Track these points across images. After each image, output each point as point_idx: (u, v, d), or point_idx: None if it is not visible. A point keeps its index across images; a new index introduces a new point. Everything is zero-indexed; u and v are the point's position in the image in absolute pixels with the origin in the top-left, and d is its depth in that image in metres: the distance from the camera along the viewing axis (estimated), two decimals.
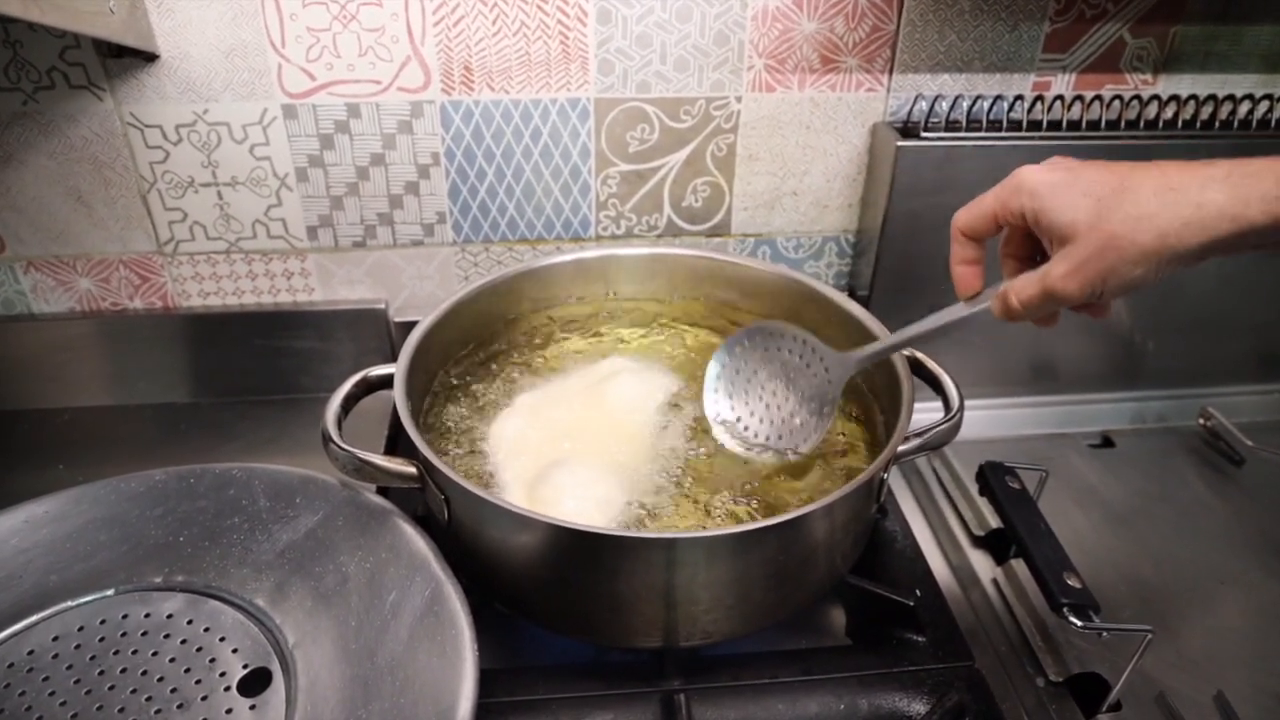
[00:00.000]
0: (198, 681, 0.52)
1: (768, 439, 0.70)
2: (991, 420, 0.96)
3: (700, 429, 0.73)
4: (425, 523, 0.64)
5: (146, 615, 0.56)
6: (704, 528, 0.64)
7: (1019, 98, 0.89)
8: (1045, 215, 0.50)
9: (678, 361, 0.82)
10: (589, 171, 0.91)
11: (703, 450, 0.72)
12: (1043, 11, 0.87)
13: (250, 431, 0.91)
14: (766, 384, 0.71)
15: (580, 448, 0.71)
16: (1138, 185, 0.47)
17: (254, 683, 0.52)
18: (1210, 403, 0.97)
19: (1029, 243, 0.55)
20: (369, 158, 0.87)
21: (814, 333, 0.69)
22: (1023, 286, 0.52)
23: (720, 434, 0.71)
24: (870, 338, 0.73)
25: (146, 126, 0.83)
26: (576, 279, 0.86)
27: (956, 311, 0.59)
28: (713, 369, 0.72)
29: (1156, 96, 0.89)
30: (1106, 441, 0.95)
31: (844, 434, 0.74)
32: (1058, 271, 0.50)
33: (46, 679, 0.52)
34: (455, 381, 0.78)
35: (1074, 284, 0.49)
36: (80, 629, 0.55)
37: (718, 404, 0.72)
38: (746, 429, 0.71)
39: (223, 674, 0.52)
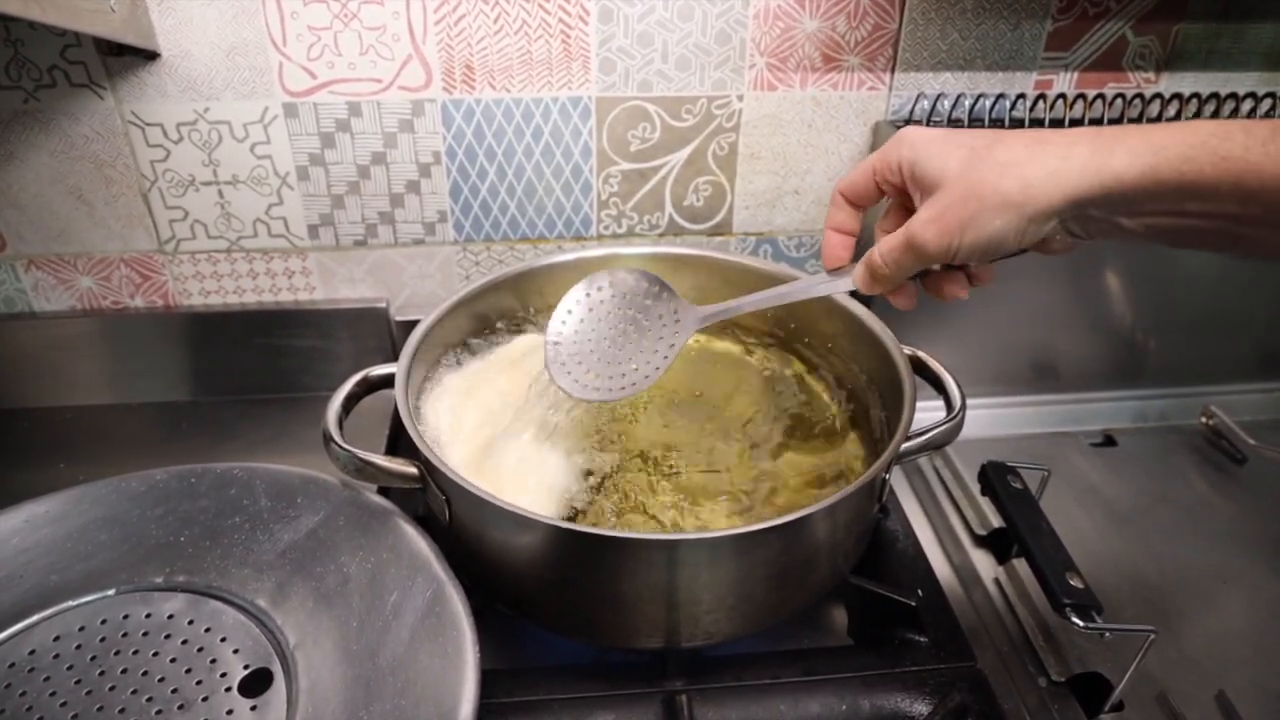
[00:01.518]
0: (198, 682, 0.52)
1: (596, 377, 0.65)
2: (993, 419, 0.96)
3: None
4: (426, 523, 0.64)
5: (147, 615, 0.56)
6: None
7: (1021, 96, 0.89)
8: (919, 165, 0.50)
9: (680, 362, 0.82)
10: (590, 170, 0.91)
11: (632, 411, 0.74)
12: (1045, 10, 0.86)
13: (251, 431, 0.91)
14: (616, 325, 0.67)
15: (518, 419, 0.71)
16: (1011, 140, 0.47)
17: (255, 683, 0.52)
18: (1212, 401, 0.96)
19: (906, 218, 0.53)
20: (370, 156, 0.87)
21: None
22: (886, 242, 0.52)
23: (551, 362, 0.66)
24: (872, 336, 0.73)
25: (147, 125, 0.83)
26: (578, 278, 0.86)
27: (813, 283, 0.59)
28: (570, 298, 0.68)
29: (1159, 95, 0.89)
30: (1108, 440, 0.95)
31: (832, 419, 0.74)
32: (919, 219, 0.49)
33: (47, 679, 0.52)
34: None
35: (932, 230, 0.48)
36: (81, 629, 0.55)
37: (561, 331, 0.67)
38: (580, 364, 0.66)
39: (224, 674, 0.52)
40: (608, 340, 0.67)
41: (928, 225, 0.48)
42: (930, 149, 0.49)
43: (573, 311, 0.68)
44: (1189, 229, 0.45)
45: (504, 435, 0.69)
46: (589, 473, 0.69)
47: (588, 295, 0.68)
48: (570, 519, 0.66)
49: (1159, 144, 0.43)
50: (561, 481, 0.68)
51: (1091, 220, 0.47)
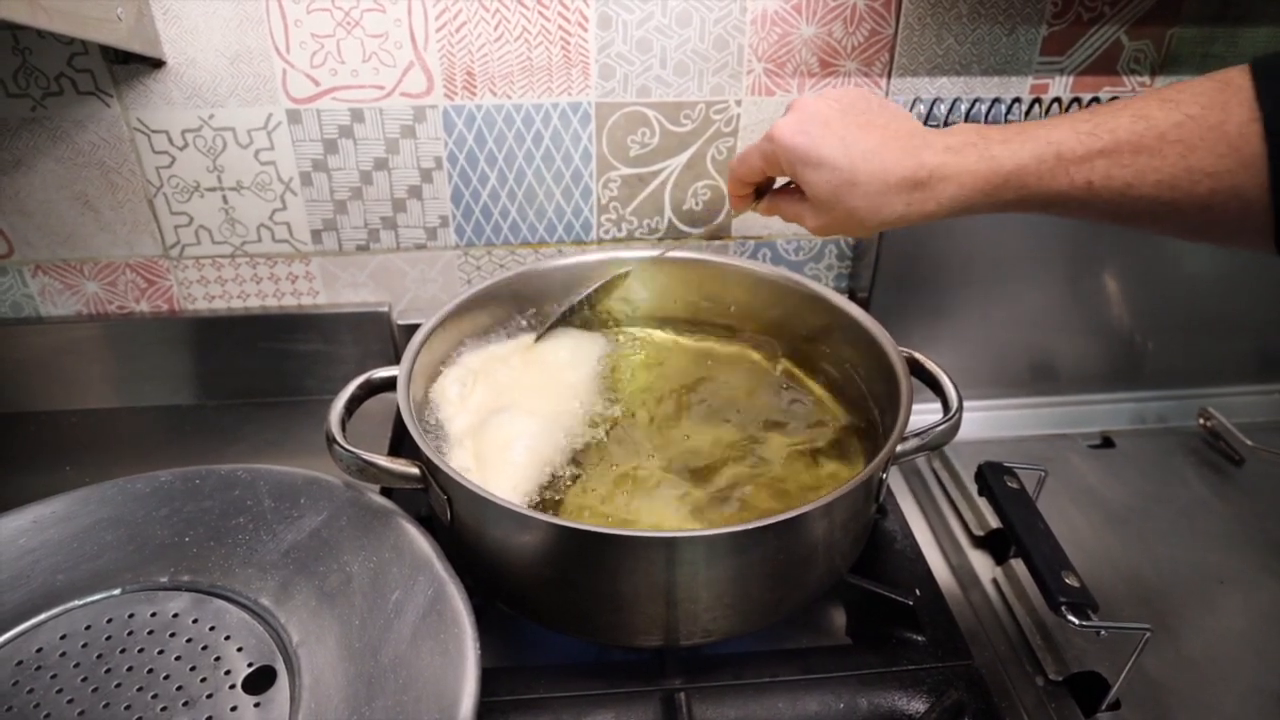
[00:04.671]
0: (203, 680, 0.52)
1: None
2: (991, 420, 0.96)
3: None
4: (428, 523, 0.65)
5: (152, 614, 0.57)
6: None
7: (1017, 100, 0.90)
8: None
9: (682, 362, 0.83)
10: (590, 175, 0.91)
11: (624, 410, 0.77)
12: (1040, 14, 0.87)
13: (255, 433, 0.91)
14: None
15: (522, 400, 0.75)
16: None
17: (259, 681, 0.53)
18: (1210, 403, 0.97)
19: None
20: (372, 162, 0.88)
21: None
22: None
23: None
24: (870, 339, 0.74)
25: (153, 132, 0.84)
26: (578, 282, 0.87)
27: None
28: None
29: None
30: (1106, 442, 0.96)
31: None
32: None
33: (54, 677, 0.53)
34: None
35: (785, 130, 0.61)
36: (87, 628, 0.56)
37: None
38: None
39: (228, 672, 0.53)
40: None
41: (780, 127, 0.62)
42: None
43: None
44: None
45: (506, 410, 0.72)
46: (574, 453, 0.72)
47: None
48: (548, 488, 0.69)
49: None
50: (547, 455, 0.70)
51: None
